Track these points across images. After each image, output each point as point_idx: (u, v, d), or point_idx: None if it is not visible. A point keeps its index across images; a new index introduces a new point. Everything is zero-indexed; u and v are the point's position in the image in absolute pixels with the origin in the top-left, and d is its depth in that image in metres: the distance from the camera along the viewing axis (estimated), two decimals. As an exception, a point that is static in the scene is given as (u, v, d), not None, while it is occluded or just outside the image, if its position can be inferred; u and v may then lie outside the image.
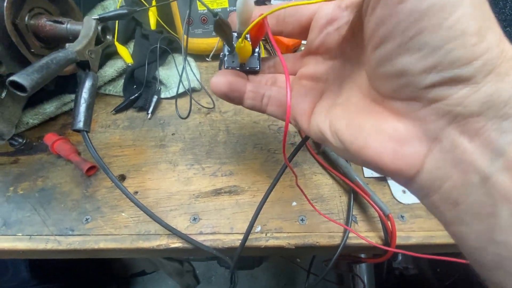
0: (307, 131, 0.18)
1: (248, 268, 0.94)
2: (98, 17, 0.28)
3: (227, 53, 0.21)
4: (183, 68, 0.31)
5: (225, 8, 0.40)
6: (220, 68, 0.22)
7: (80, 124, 0.25)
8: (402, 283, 0.69)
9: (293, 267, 0.98)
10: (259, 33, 0.19)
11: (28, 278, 0.66)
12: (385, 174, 0.14)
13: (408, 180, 0.13)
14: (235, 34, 0.20)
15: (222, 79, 0.20)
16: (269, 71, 0.23)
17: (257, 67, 0.21)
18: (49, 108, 0.35)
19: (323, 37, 0.17)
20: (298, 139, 0.35)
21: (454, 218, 0.12)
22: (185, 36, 0.26)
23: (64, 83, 0.35)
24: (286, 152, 0.17)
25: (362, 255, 0.41)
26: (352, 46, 0.16)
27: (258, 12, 0.18)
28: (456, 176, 0.11)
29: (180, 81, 0.34)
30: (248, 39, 0.20)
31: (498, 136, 0.10)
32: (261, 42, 0.22)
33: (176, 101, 0.34)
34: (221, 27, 0.18)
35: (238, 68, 0.21)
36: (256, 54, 0.21)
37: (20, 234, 0.28)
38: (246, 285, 1.00)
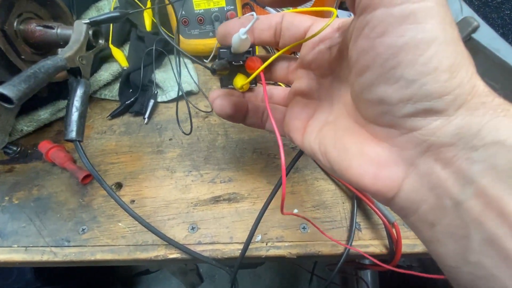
0: (301, 147, 0.19)
1: (251, 267, 0.94)
2: (88, 21, 0.27)
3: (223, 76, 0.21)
4: (179, 71, 0.29)
5: (222, 7, 0.38)
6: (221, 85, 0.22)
7: (73, 134, 0.24)
8: (406, 282, 0.68)
9: (296, 267, 0.97)
10: (256, 66, 0.19)
11: (33, 280, 0.67)
12: (366, 193, 0.15)
13: (388, 201, 0.14)
14: (225, 51, 0.19)
15: (226, 101, 0.20)
16: (264, 77, 0.22)
17: (253, 85, 0.22)
18: (44, 114, 0.34)
19: (315, 54, 0.18)
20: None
21: (431, 238, 0.12)
22: (175, 37, 0.25)
23: (58, 89, 0.34)
24: (287, 156, 0.17)
25: (367, 261, 0.40)
26: (341, 66, 0.17)
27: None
28: (431, 200, 0.12)
29: (179, 84, 0.33)
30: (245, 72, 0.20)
31: (468, 165, 0.11)
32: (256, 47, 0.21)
33: (177, 114, 0.33)
34: (219, 74, 0.19)
35: (233, 87, 0.22)
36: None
37: (15, 246, 0.28)
38: (249, 284, 1.00)
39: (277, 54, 0.18)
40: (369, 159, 0.13)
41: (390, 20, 0.11)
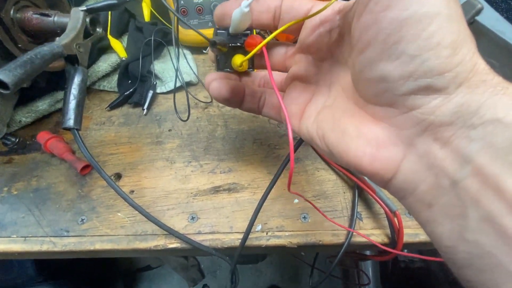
0: (298, 133, 0.19)
1: (252, 263, 0.94)
2: (85, 8, 0.26)
3: (221, 55, 0.20)
4: (177, 62, 0.29)
5: None
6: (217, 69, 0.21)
7: (70, 122, 0.24)
8: (407, 276, 0.68)
9: (297, 261, 0.97)
10: (255, 43, 0.18)
11: (34, 275, 0.67)
12: (364, 175, 0.14)
13: (385, 182, 0.14)
14: (223, 32, 0.19)
15: (223, 84, 0.20)
16: (261, 64, 0.22)
17: (251, 69, 0.21)
18: (42, 105, 0.34)
19: (314, 37, 0.17)
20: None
21: (428, 218, 0.12)
22: (174, 27, 0.25)
23: (55, 80, 0.34)
24: (286, 147, 0.17)
25: (368, 252, 0.40)
26: (341, 49, 0.16)
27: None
28: (429, 180, 0.12)
29: (176, 76, 0.33)
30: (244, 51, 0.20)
31: (466, 144, 0.11)
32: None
33: (174, 102, 0.33)
34: (220, 50, 0.18)
35: (231, 70, 0.21)
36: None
37: (14, 236, 0.28)
38: (250, 280, 1.00)
39: (278, 30, 0.17)
40: (367, 139, 0.13)
41: None
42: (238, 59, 0.19)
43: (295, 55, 0.20)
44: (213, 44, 0.17)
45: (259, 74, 0.23)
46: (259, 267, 1.02)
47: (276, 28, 0.19)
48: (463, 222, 0.11)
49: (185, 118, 0.33)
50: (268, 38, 0.17)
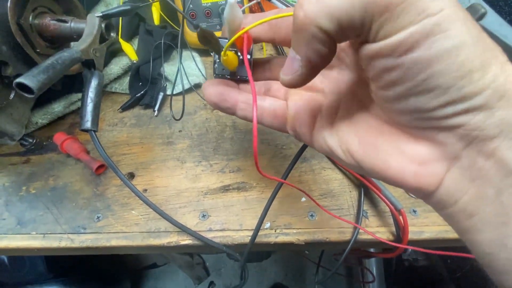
0: (310, 143, 0.18)
1: (256, 261, 0.95)
2: (101, 14, 0.27)
3: (217, 60, 0.20)
4: (181, 65, 0.30)
5: (216, 3, 0.39)
6: (214, 74, 0.22)
7: (88, 124, 0.25)
8: (412, 275, 0.69)
9: (302, 259, 0.98)
10: (247, 44, 0.18)
11: (45, 271, 0.69)
12: (405, 190, 0.15)
13: (427, 195, 0.13)
14: (226, 41, 0.19)
15: (213, 89, 0.19)
16: (263, 76, 0.21)
17: (247, 76, 0.20)
18: (57, 107, 0.35)
19: None
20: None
21: (469, 227, 0.12)
22: (185, 29, 0.25)
23: (70, 82, 0.35)
24: (295, 147, 0.17)
25: (372, 250, 0.41)
26: (349, 55, 0.16)
27: (249, 19, 0.18)
28: (472, 191, 0.12)
29: (181, 78, 0.34)
30: (237, 50, 0.19)
31: (511, 155, 0.11)
32: (263, 43, 0.21)
33: (183, 98, 0.33)
34: (205, 37, 0.17)
35: (228, 77, 0.21)
36: (246, 62, 0.20)
37: (34, 233, 0.29)
38: (255, 278, 1.01)
39: (262, 20, 0.16)
40: (409, 157, 0.13)
41: (416, 37, 0.10)
42: (225, 53, 0.18)
43: None
44: (196, 27, 0.17)
45: (259, 83, 0.22)
46: (264, 265, 1.03)
47: (273, 41, 0.19)
48: (505, 229, 0.11)
49: (178, 117, 0.33)
50: (251, 25, 0.16)
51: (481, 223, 0.12)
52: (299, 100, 0.19)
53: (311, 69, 0.13)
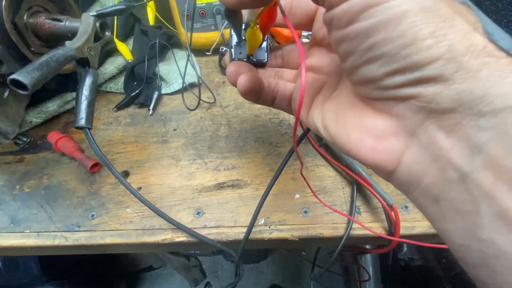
0: (306, 123, 0.18)
1: (253, 262, 0.94)
2: (95, 13, 0.28)
3: (234, 44, 0.20)
4: (187, 62, 0.30)
5: (210, 3, 0.39)
6: (220, 63, 0.22)
7: (82, 121, 0.25)
8: (407, 274, 0.69)
9: (299, 260, 0.98)
10: (269, 21, 0.18)
11: (39, 274, 0.68)
12: (366, 166, 0.14)
13: (388, 175, 0.13)
14: (243, 26, 0.19)
15: (248, 77, 0.19)
16: (275, 63, 0.22)
17: (265, 59, 0.21)
18: (52, 106, 0.35)
19: (325, 30, 0.17)
20: (300, 131, 0.35)
21: (436, 214, 0.12)
22: (187, 32, 0.26)
23: (65, 82, 0.35)
24: (288, 144, 0.17)
25: (368, 246, 0.41)
26: None
27: None
28: (434, 172, 0.11)
29: (184, 75, 0.34)
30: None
31: (475, 133, 0.10)
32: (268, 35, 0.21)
33: (182, 94, 0.34)
34: (233, 13, 0.17)
35: (245, 60, 0.21)
36: (264, 46, 0.21)
37: (28, 231, 0.29)
38: (252, 279, 1.01)
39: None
40: (367, 130, 0.13)
41: (355, 9, 0.11)
42: (253, 32, 0.18)
43: (310, 49, 0.20)
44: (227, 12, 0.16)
45: (272, 70, 0.22)
46: (261, 267, 1.03)
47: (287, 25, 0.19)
48: (476, 219, 0.10)
49: (193, 107, 0.33)
50: None
51: (447, 210, 0.11)
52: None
53: None
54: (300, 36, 0.44)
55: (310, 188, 0.26)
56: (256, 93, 0.19)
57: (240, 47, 0.20)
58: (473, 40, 0.10)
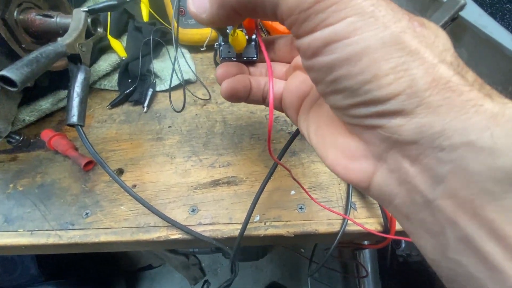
0: (296, 125, 0.19)
1: (252, 260, 0.95)
2: (87, 9, 0.27)
3: (222, 42, 0.20)
4: (175, 59, 0.30)
5: None
6: (215, 59, 0.21)
7: (74, 119, 0.25)
8: (406, 270, 0.69)
9: (297, 258, 0.99)
10: (252, 22, 0.18)
11: (37, 274, 0.68)
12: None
13: (364, 190, 0.14)
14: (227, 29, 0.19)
15: (229, 83, 0.19)
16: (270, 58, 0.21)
17: (254, 57, 0.20)
18: (45, 104, 0.35)
19: None
20: (294, 128, 0.35)
21: (409, 230, 0.12)
22: (176, 25, 0.25)
23: (58, 79, 0.35)
24: (283, 141, 0.17)
25: (365, 242, 0.41)
26: None
27: None
28: (402, 194, 0.12)
29: (173, 72, 0.34)
30: (243, 29, 0.19)
31: (436, 164, 0.10)
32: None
33: (169, 94, 0.34)
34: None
35: (234, 59, 0.21)
36: (253, 42, 0.20)
37: (21, 230, 0.29)
38: (251, 276, 1.01)
39: None
40: (341, 150, 0.14)
41: (317, 44, 0.11)
42: (238, 34, 0.18)
43: None
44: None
45: (264, 64, 0.22)
46: (259, 264, 1.03)
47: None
48: (443, 239, 0.10)
49: (179, 109, 0.33)
50: None
51: (417, 229, 0.12)
52: (293, 83, 0.19)
53: (219, 13, 0.13)
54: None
55: (304, 189, 0.26)
56: (240, 98, 0.20)
57: (229, 46, 0.20)
58: (436, 74, 0.10)
